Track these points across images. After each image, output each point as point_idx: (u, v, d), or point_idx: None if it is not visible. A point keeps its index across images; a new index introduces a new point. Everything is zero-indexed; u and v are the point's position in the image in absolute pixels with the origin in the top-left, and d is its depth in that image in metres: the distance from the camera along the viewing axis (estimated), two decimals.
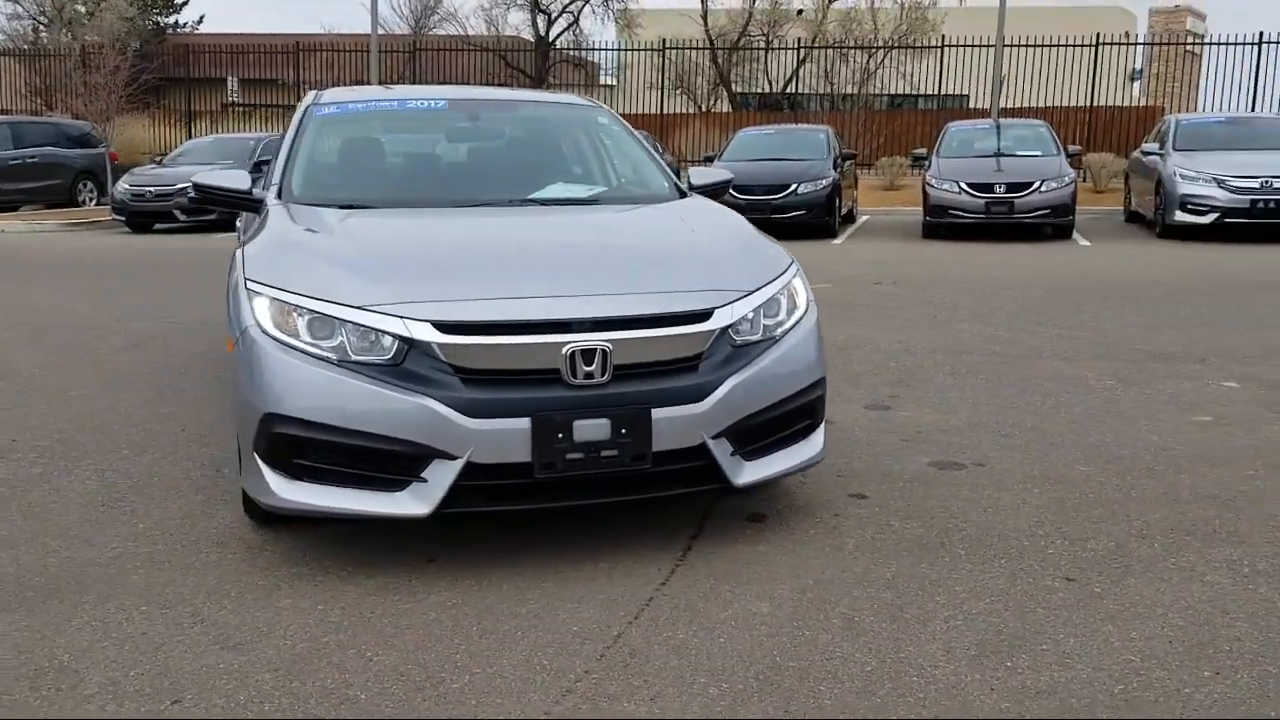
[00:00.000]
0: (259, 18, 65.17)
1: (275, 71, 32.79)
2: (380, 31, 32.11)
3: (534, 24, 34.25)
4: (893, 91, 31.68)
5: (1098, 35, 24.79)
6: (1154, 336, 7.45)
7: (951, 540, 3.69)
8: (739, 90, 33.44)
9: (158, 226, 17.38)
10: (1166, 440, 4.90)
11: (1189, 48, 31.81)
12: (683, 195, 4.70)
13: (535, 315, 3.34)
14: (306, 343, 3.37)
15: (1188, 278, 10.52)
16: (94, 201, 21.17)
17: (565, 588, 3.32)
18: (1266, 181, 13.32)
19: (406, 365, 3.30)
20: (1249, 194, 13.34)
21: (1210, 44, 23.23)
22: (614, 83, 34.90)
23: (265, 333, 3.42)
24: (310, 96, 5.07)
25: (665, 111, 31.39)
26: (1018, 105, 25.17)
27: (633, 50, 31.08)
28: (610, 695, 2.68)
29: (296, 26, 59.87)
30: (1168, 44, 23.61)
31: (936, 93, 30.56)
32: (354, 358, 3.33)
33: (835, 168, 15.13)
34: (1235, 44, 23.12)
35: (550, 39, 34.09)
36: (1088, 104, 24.94)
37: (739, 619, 3.09)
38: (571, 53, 34.50)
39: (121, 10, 34.14)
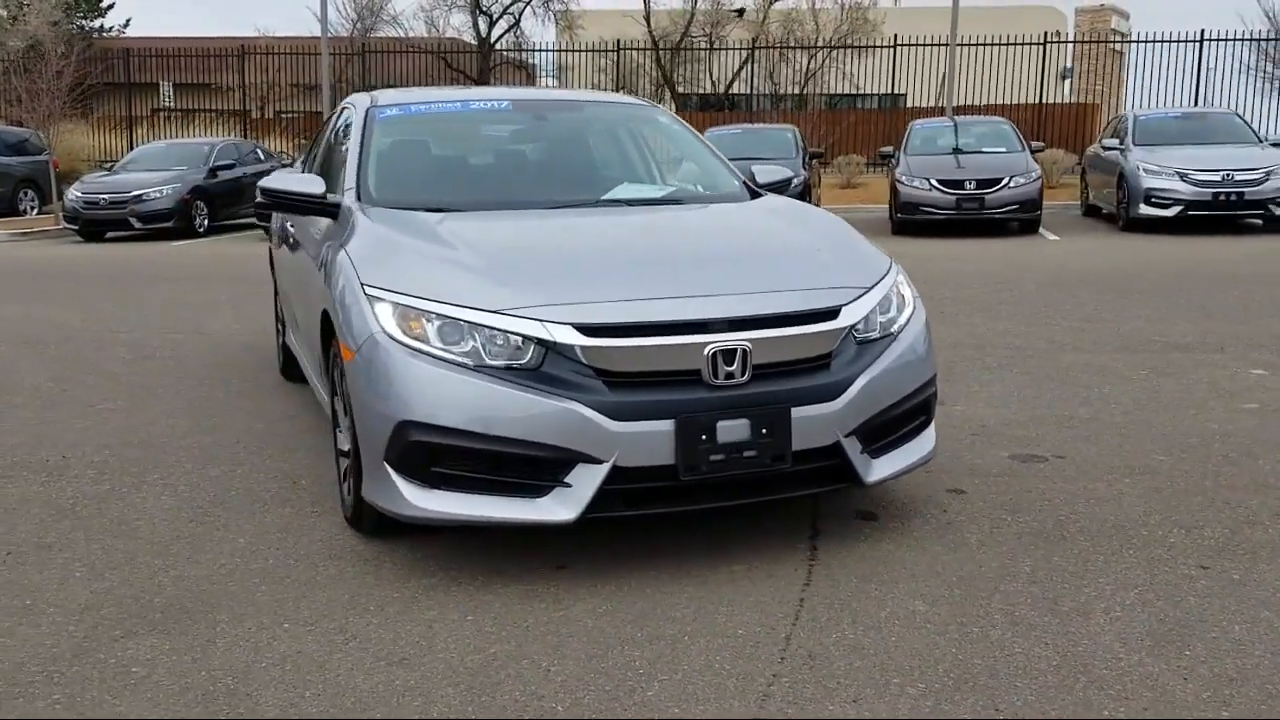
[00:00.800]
0: (181, 21, 63.83)
1: (210, 75, 32.11)
2: (318, 34, 31.66)
3: (475, 25, 34.03)
4: (833, 91, 32.01)
5: (1045, 34, 25.28)
6: (1165, 328, 7.58)
7: (1070, 532, 3.71)
8: (682, 91, 33.52)
9: (110, 235, 16.94)
10: (1226, 428, 4.99)
11: (1115, 46, 32.60)
12: (753, 194, 4.68)
13: (677, 316, 3.29)
14: (438, 348, 3.29)
15: (1169, 269, 10.75)
16: (35, 210, 20.56)
17: (709, 591, 3.28)
18: (1228, 175, 13.66)
19: (545, 369, 3.23)
20: (1211, 187, 13.68)
21: (1153, 41, 23.77)
22: (554, 84, 34.80)
23: (394, 339, 3.33)
24: (364, 98, 4.96)
25: None
26: (959, 104, 25.57)
27: (577, 51, 30.95)
28: (810, 698, 2.64)
29: (224, 29, 58.72)
30: (1120, 42, 24.15)
31: (875, 92, 30.99)
32: (489, 362, 3.25)
33: (805, 166, 15.22)
34: (1178, 41, 23.71)
35: (492, 40, 33.87)
36: (1036, 101, 25.37)
37: (901, 618, 3.08)
38: (514, 54, 34.31)
39: (46, 14, 33.18)
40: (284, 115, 31.43)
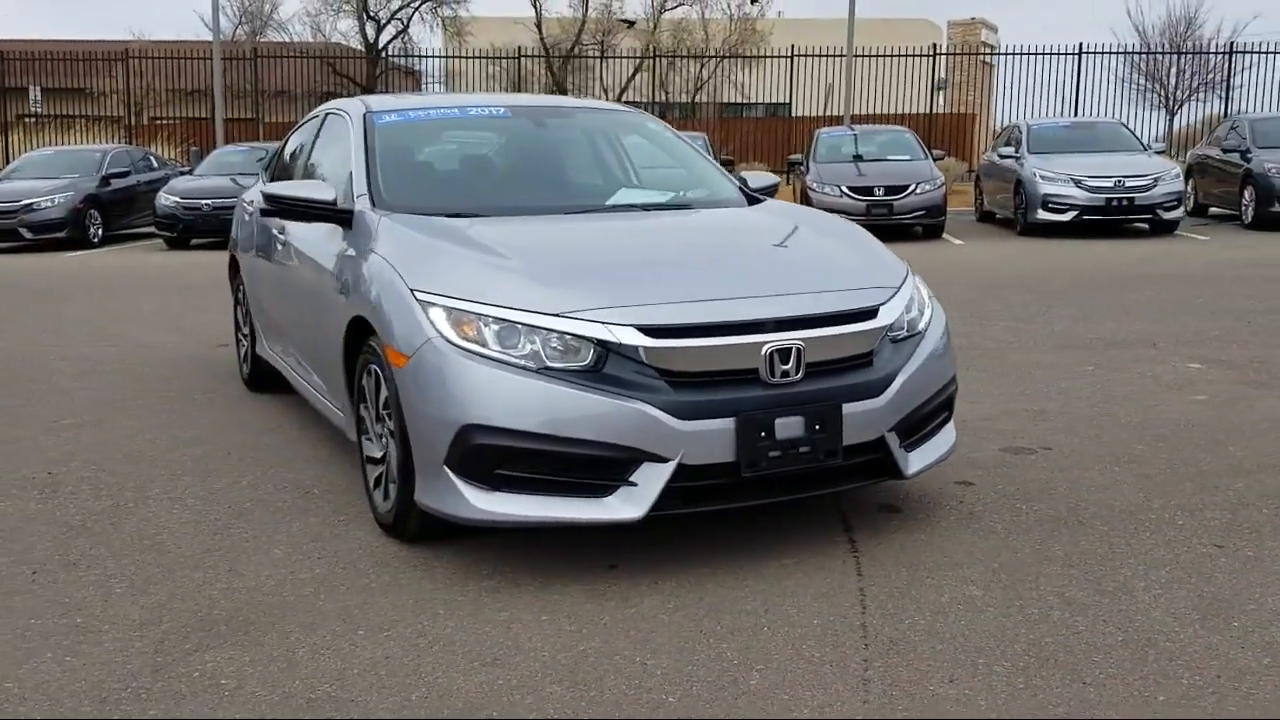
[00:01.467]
0: (31, 24, 61.20)
1: (81, 80, 30.95)
2: (201, 38, 30.83)
3: (362, 31, 33.55)
4: (723, 100, 32.50)
5: (934, 45, 26.09)
6: (1092, 326, 7.97)
7: (1084, 518, 3.91)
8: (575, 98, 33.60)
9: None
10: (1187, 418, 5.29)
11: (985, 59, 33.88)
12: (749, 199, 4.79)
13: (736, 316, 3.38)
14: (497, 352, 3.31)
15: (1077, 272, 11.25)
16: None
17: (769, 584, 3.37)
18: (1119, 181, 14.36)
19: (606, 370, 3.29)
20: (1105, 193, 14.36)
21: (1035, 54, 24.74)
22: (442, 91, 34.51)
23: (451, 344, 3.35)
24: (355, 104, 4.91)
25: None
26: (849, 113, 26.23)
27: (468, 58, 30.76)
28: (907, 680, 2.76)
29: (88, 32, 56.47)
30: (1005, 54, 25.03)
31: (764, 101, 31.60)
32: (549, 365, 3.29)
33: None
34: (1058, 54, 24.74)
35: (379, 46, 33.44)
36: (917, 111, 26.18)
37: (961, 603, 3.21)
38: (402, 59, 33.92)
39: None
40: (159, 122, 30.47)
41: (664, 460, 3.25)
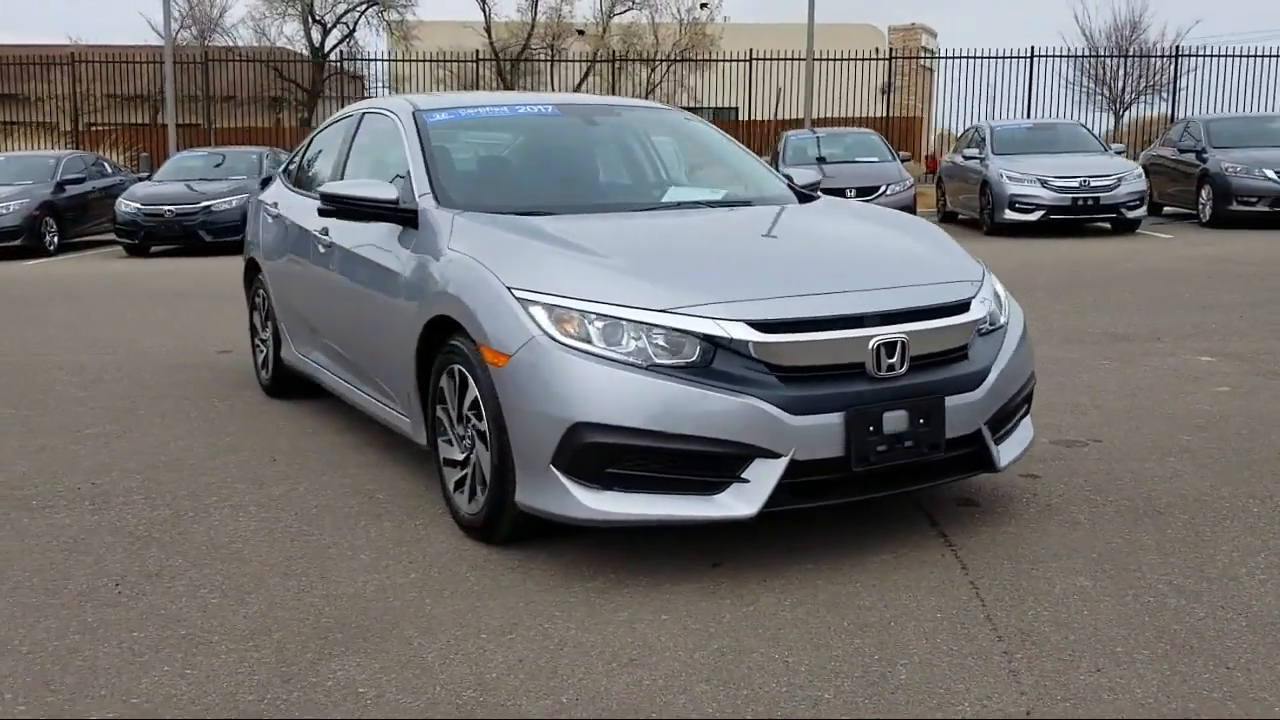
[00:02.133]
0: None
1: (17, 85, 30.17)
2: (146, 43, 30.28)
3: (307, 35, 33.15)
4: (673, 104, 32.59)
5: (890, 49, 26.37)
6: (1091, 321, 8.09)
7: (1161, 507, 3.96)
8: None
9: None
10: (1218, 409, 5.39)
11: (925, 63, 34.36)
12: (800, 196, 4.79)
13: (842, 310, 3.37)
14: (604, 349, 3.27)
15: (1055, 270, 11.43)
16: None
17: (876, 579, 3.36)
18: (1085, 181, 14.62)
19: (715, 366, 3.26)
20: (1071, 193, 14.61)
21: (988, 58, 25.12)
22: (387, 94, 34.18)
23: (557, 341, 3.30)
24: (401, 103, 4.83)
25: None
26: (798, 117, 26.42)
27: (419, 61, 30.49)
28: (1055, 670, 2.76)
29: (21, 36, 55.05)
30: (956, 58, 25.35)
31: (714, 105, 31.71)
32: (657, 361, 3.26)
33: None
34: (1011, 57, 25.14)
35: (325, 50, 33.05)
36: (864, 115, 26.45)
37: (1076, 594, 3.23)
38: (348, 63, 33.55)
39: None
40: (95, 128, 29.79)
41: (776, 456, 3.23)
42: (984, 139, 16.25)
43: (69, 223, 16.39)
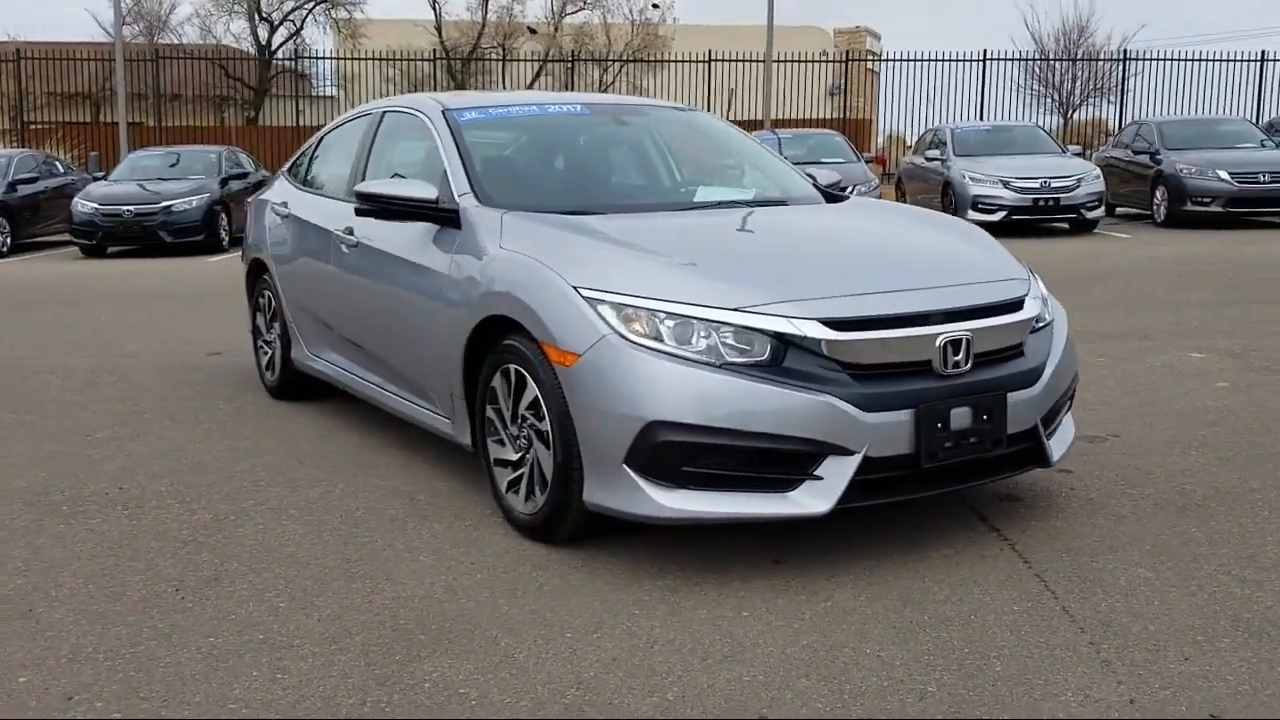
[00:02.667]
0: None
1: None
2: (90, 39, 29.66)
3: (254, 34, 32.70)
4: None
5: (847, 53, 26.63)
6: (1077, 320, 8.02)
7: (1199, 500, 4.05)
8: None
9: None
10: (1223, 404, 5.52)
11: (870, 66, 34.75)
12: (826, 196, 4.83)
13: (910, 308, 3.41)
14: (675, 347, 3.28)
15: None
16: None
17: (943, 574, 3.40)
18: (1045, 182, 14.89)
19: (786, 364, 3.28)
20: (1032, 194, 14.87)
21: (942, 60, 25.46)
22: (335, 93, 33.81)
23: (629, 340, 3.30)
24: (428, 101, 4.79)
25: None
26: (749, 118, 26.58)
27: (370, 59, 30.18)
28: (1145, 660, 2.81)
29: None
30: (914, 61, 25.59)
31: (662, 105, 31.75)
32: (729, 360, 3.27)
33: None
34: (964, 60, 25.49)
35: (272, 48, 32.62)
36: (825, 116, 26.69)
37: (1142, 585, 3.29)
38: (292, 62, 33.13)
39: None
40: (33, 126, 29.12)
41: (850, 453, 3.26)
42: (945, 141, 16.48)
43: (22, 223, 16.02)
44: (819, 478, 3.27)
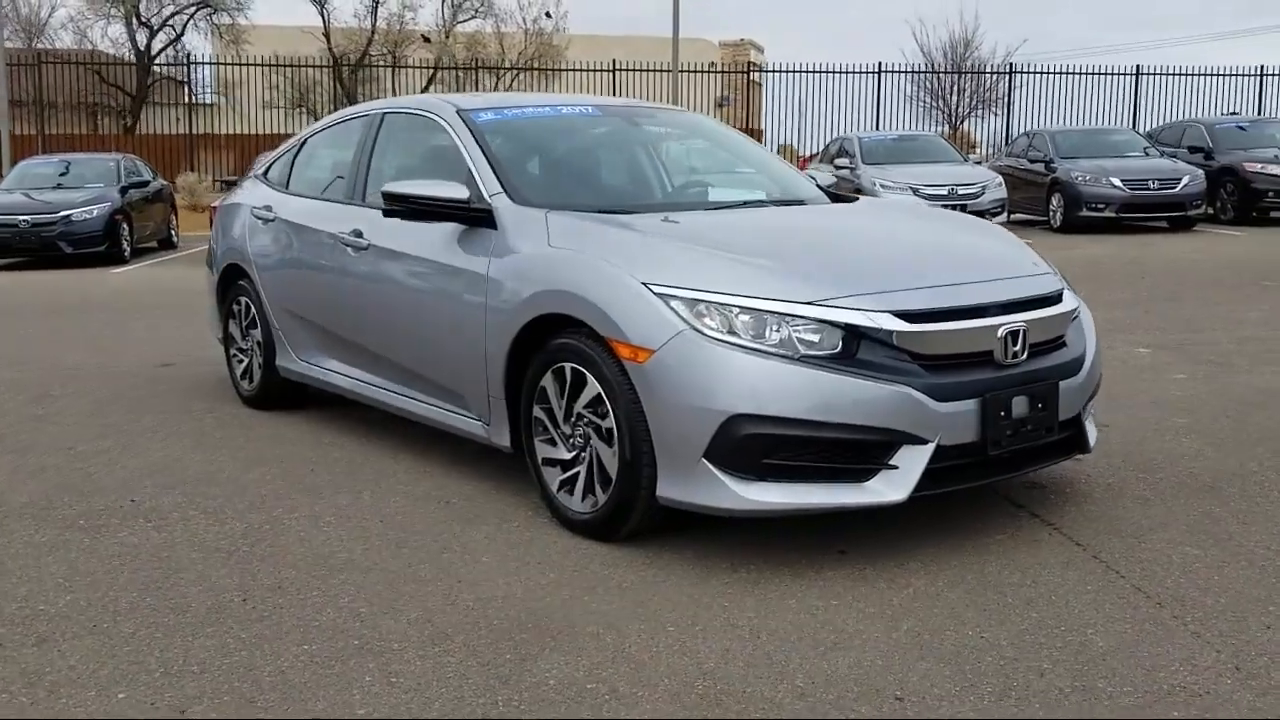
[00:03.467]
0: None
1: None
2: None
3: (132, 39, 31.61)
4: None
5: (749, 64, 26.99)
6: None
7: (1210, 482, 4.24)
8: None
9: None
10: (1188, 393, 5.80)
11: (754, 77, 35.42)
12: (832, 196, 4.93)
13: (972, 300, 3.51)
14: (752, 341, 3.32)
15: None
16: None
17: (1004, 559, 3.50)
18: (952, 189, 15.38)
19: (860, 356, 3.35)
20: (940, 200, 15.27)
21: (839, 72, 26.01)
22: (216, 100, 32.88)
23: (705, 335, 3.33)
24: (440, 103, 4.74)
25: (286, 131, 30.34)
26: None
27: (261, 65, 29.49)
28: (1233, 631, 2.95)
29: None
30: (808, 72, 26.06)
31: None
32: (804, 352, 3.32)
33: None
34: (858, 72, 26.10)
35: (152, 54, 31.59)
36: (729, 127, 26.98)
37: (1195, 562, 3.44)
38: (177, 67, 32.15)
39: None
40: None
41: (924, 442, 3.34)
42: (853, 150, 16.88)
43: None
44: (894, 467, 3.35)
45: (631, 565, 3.49)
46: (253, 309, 5.71)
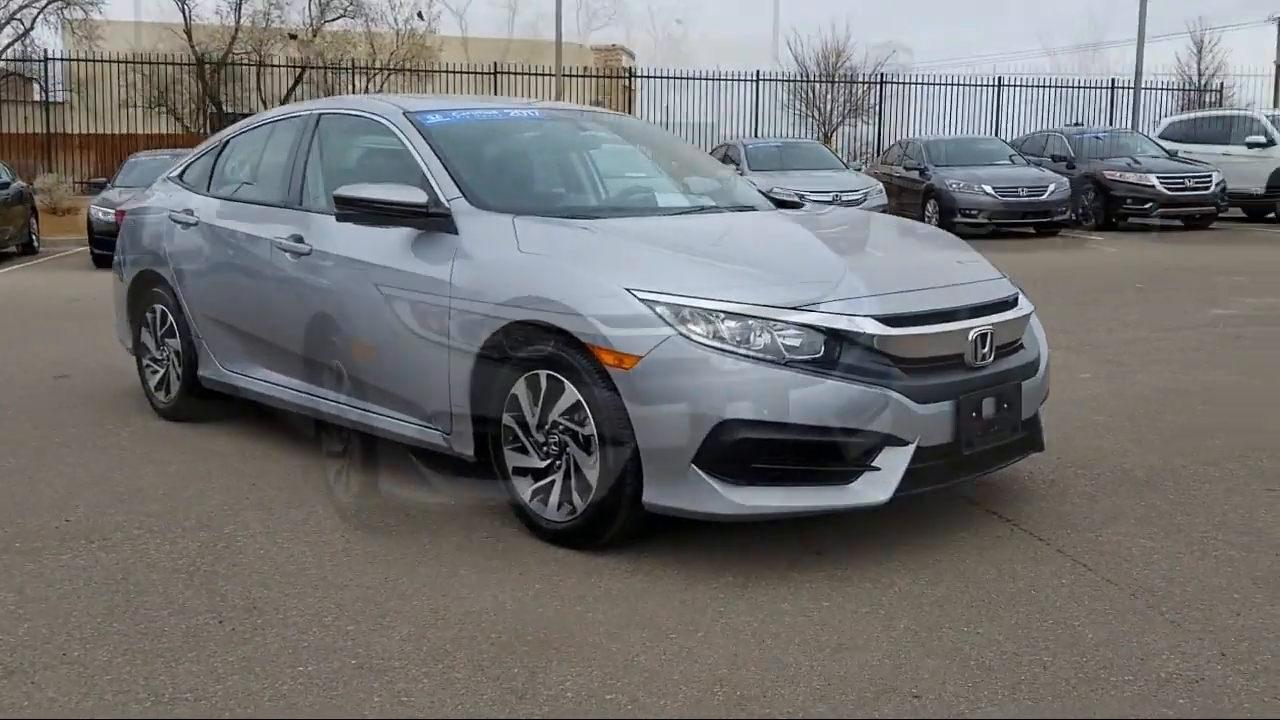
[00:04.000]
0: None
1: None
2: None
3: None
4: None
5: (630, 70, 27.04)
6: None
7: (1145, 477, 4.43)
8: (229, 110, 31.76)
9: None
10: (1097, 392, 6.05)
11: (625, 83, 35.64)
12: (777, 202, 4.99)
13: (944, 304, 3.60)
14: (738, 346, 3.34)
15: None
16: None
17: (976, 558, 3.59)
18: (837, 195, 15.68)
19: (843, 360, 3.40)
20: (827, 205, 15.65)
21: (718, 79, 26.30)
22: (69, 98, 31.45)
23: (691, 340, 3.33)
24: (384, 104, 4.64)
25: (145, 131, 29.27)
26: None
27: (125, 63, 28.30)
28: (1207, 618, 3.09)
29: None
30: (691, 79, 26.21)
31: None
32: (789, 357, 3.36)
33: None
34: (739, 80, 26.43)
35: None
36: None
37: (1154, 554, 3.60)
38: (27, 64, 30.61)
39: None
40: None
41: (904, 444, 3.41)
42: (738, 157, 17.10)
43: None
44: (877, 469, 3.41)
45: (614, 573, 3.47)
46: (170, 317, 5.48)
